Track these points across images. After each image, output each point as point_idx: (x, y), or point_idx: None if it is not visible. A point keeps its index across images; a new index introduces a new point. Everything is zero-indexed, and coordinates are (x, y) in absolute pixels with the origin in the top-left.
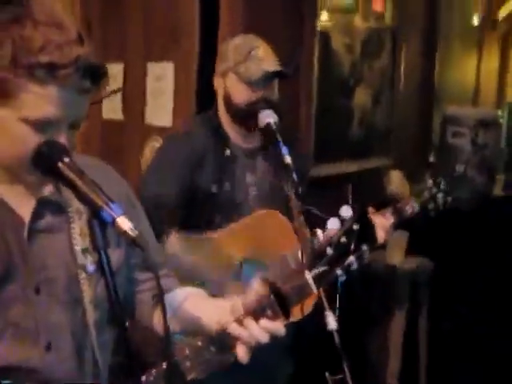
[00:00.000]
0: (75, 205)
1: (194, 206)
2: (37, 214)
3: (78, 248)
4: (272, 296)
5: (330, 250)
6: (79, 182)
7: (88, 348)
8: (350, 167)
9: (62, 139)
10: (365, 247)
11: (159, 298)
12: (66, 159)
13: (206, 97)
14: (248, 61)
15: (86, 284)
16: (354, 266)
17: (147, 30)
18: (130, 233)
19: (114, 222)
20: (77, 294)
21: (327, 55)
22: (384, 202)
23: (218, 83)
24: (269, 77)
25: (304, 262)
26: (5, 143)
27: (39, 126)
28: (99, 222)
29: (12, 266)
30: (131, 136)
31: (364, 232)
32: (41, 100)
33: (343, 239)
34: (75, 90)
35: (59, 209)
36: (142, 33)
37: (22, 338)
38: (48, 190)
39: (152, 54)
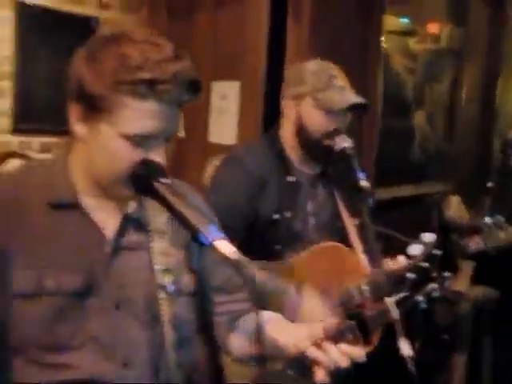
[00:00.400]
0: (156, 223)
1: (253, 233)
2: (121, 231)
3: (157, 267)
4: (354, 320)
5: (410, 275)
6: (178, 204)
7: (164, 367)
8: (409, 191)
9: (159, 154)
10: (447, 273)
11: (257, 319)
12: (164, 180)
13: (271, 116)
14: (330, 89)
15: (166, 304)
16: (436, 293)
17: (215, 49)
18: (229, 256)
19: (212, 245)
20: (155, 313)
21: (389, 77)
22: (443, 226)
23: (288, 106)
24: (349, 108)
25: (375, 290)
26: (104, 158)
27: (138, 141)
28: (197, 244)
29: (94, 280)
30: (193, 154)
31: (446, 259)
32: (141, 115)
33: (425, 264)
34: (174, 103)
35: (140, 226)
36: (209, 51)
37: (101, 352)
38: (132, 206)
39: (218, 72)
